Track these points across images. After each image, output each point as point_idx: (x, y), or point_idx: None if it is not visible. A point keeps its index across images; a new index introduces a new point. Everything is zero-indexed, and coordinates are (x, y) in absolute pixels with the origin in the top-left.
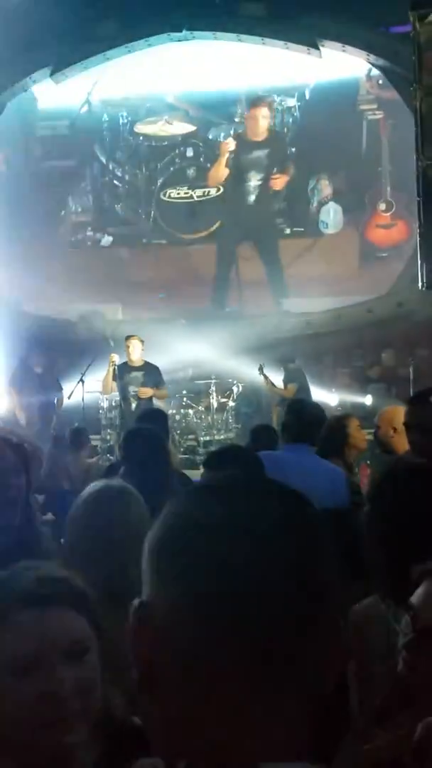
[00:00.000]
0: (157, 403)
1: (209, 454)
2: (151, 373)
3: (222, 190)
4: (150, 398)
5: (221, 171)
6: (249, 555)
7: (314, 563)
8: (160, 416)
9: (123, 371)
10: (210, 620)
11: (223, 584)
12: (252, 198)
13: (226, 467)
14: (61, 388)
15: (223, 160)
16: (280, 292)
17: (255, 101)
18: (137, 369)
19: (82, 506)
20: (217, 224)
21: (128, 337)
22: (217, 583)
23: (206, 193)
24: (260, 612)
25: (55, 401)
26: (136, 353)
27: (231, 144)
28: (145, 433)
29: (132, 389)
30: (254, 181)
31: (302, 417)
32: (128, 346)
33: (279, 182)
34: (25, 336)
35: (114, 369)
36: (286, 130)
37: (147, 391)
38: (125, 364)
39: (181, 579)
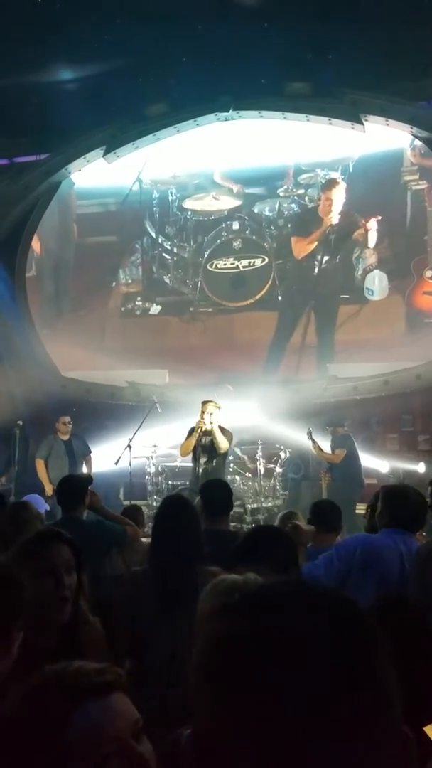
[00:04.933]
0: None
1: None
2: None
3: (266, 260)
4: (219, 459)
5: (314, 244)
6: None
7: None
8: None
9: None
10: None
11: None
12: (317, 269)
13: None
14: (89, 452)
15: (316, 237)
16: (328, 356)
17: (328, 183)
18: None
19: None
20: (261, 293)
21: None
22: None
23: (251, 264)
24: None
25: (83, 468)
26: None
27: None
28: (176, 501)
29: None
30: (322, 255)
31: (410, 503)
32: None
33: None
34: (73, 403)
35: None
36: None
37: (203, 422)
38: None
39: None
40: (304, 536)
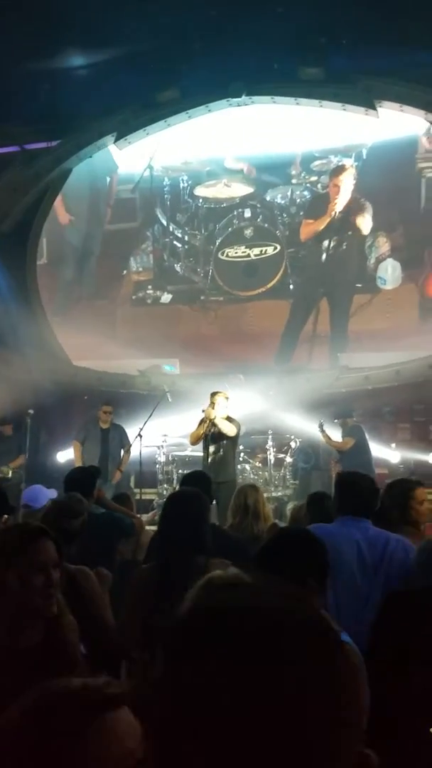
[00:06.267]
0: None
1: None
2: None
3: (278, 248)
4: (228, 449)
5: (320, 228)
6: None
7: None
8: (204, 479)
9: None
10: None
11: None
12: (324, 256)
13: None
14: (128, 444)
15: (326, 221)
16: (340, 346)
17: (337, 169)
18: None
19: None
20: (273, 281)
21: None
22: None
23: (263, 252)
24: None
25: (121, 456)
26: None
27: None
28: (184, 494)
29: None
30: (329, 240)
31: (360, 488)
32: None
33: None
34: (84, 391)
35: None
36: None
37: (210, 412)
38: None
39: None
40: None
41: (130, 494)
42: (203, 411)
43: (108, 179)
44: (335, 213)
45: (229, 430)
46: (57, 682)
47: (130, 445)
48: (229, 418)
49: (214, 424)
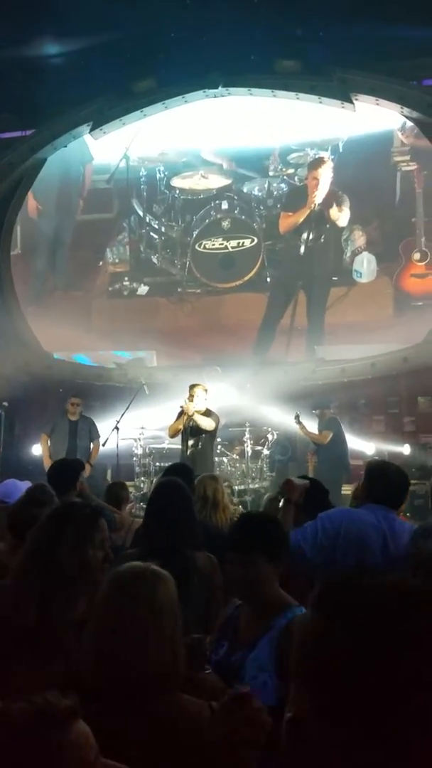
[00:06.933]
0: None
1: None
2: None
3: (256, 241)
4: (206, 441)
5: (299, 220)
6: None
7: None
8: (185, 470)
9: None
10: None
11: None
12: (303, 249)
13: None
14: (97, 437)
15: (305, 213)
16: (317, 338)
17: (314, 162)
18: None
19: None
20: (250, 274)
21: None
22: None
23: (240, 244)
24: None
25: (91, 449)
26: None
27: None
28: (172, 485)
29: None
30: (308, 233)
31: (389, 479)
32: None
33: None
34: (59, 383)
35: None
36: None
37: (189, 407)
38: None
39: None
40: (294, 492)
41: (124, 484)
42: (181, 406)
43: (82, 169)
44: (314, 205)
45: (207, 425)
46: (14, 702)
47: (99, 437)
48: (208, 411)
49: (192, 417)
